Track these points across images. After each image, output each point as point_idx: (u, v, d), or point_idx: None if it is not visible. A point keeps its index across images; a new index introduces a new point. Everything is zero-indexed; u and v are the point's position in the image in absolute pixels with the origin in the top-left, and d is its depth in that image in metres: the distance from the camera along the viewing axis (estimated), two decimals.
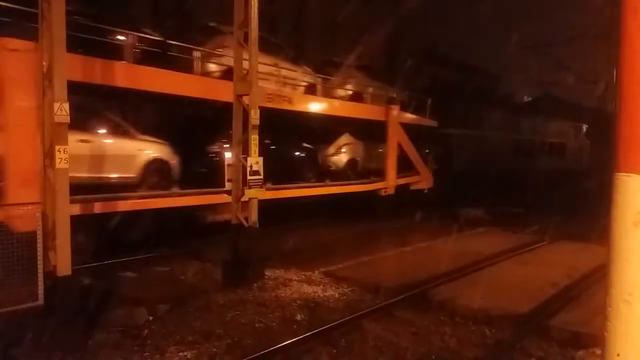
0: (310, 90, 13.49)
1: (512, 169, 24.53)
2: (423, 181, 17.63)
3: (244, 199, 8.34)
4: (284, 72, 12.33)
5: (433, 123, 18.79)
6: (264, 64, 10.78)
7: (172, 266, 9.09)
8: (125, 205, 8.36)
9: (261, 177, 8.28)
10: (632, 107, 1.87)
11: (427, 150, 18.63)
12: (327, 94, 14.47)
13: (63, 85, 5.60)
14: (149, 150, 9.28)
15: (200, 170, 10.62)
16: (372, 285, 8.02)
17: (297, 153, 13.40)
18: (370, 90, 15.87)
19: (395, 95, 17.09)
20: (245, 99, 8.33)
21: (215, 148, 10.87)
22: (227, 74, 9.92)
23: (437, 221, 14.82)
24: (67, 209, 5.67)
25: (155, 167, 9.34)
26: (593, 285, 7.70)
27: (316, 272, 8.81)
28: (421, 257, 10.34)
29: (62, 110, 5.54)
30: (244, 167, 8.25)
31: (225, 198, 8.79)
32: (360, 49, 17.42)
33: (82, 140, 8.15)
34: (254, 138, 8.13)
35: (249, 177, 8.12)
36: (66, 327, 5.57)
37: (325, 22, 20.26)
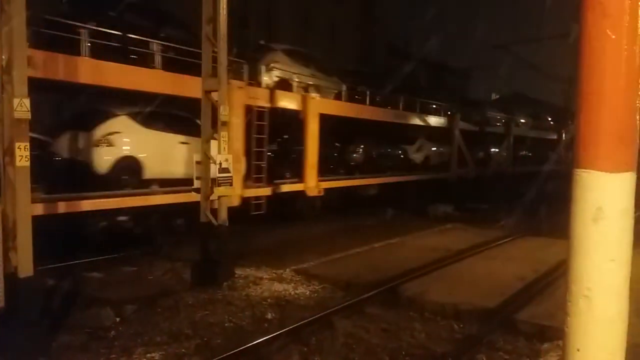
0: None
1: None
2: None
3: (213, 197, 8.24)
4: None
5: None
6: None
7: (139, 266, 8.91)
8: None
9: (231, 174, 8.18)
10: (591, 103, 1.90)
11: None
12: None
13: (23, 81, 5.40)
14: None
15: None
16: (343, 282, 8.04)
17: None
18: None
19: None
20: (214, 95, 8.21)
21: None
22: None
23: (407, 218, 15.00)
24: (28, 208, 5.50)
25: None
26: (558, 279, 7.86)
27: (287, 270, 8.77)
28: (391, 254, 10.41)
29: (22, 106, 5.34)
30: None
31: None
32: None
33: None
34: (224, 135, 8.03)
35: (218, 175, 8.01)
36: (29, 330, 5.39)
37: None
